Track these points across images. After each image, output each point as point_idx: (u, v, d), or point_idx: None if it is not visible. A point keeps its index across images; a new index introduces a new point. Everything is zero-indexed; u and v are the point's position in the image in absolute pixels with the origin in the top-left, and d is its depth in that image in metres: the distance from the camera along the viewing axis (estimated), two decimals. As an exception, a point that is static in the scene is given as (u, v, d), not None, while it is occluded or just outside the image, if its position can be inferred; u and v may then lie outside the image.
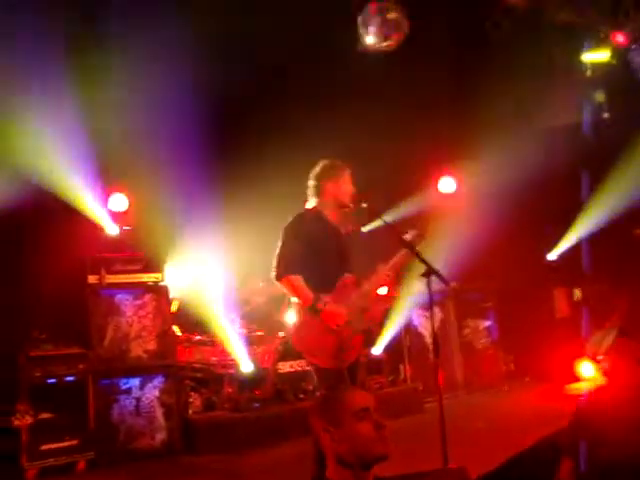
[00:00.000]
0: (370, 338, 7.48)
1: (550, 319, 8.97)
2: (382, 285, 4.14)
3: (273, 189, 7.15)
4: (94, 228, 6.65)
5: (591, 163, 8.06)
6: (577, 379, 7.91)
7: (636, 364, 3.09)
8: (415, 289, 7.91)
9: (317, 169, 4.40)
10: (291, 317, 4.22)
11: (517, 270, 8.96)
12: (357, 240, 4.57)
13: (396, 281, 4.31)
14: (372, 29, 7.02)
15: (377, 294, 4.31)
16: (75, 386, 5.72)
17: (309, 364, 4.33)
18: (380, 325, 7.58)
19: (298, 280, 4.06)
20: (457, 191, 9.27)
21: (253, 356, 6.90)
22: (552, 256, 9.21)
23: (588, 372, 7.24)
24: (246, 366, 6.75)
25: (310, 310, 3.99)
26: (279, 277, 4.13)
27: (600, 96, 8.58)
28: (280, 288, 4.23)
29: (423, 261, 3.95)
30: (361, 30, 7.04)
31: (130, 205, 6.95)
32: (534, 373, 8.68)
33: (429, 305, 4.05)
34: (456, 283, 7.85)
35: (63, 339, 5.89)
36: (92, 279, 6.05)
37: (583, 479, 2.83)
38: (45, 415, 5.49)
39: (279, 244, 4.22)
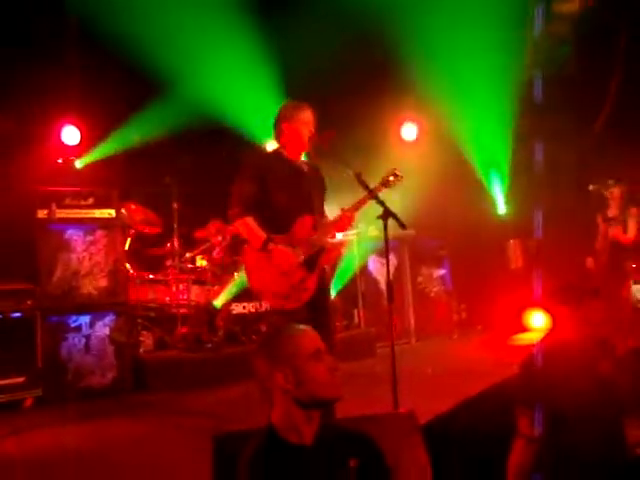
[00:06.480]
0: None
1: (504, 270, 9.08)
2: (342, 228, 4.09)
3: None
4: (45, 161, 6.45)
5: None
6: (525, 329, 8.06)
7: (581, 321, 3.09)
8: (371, 234, 7.92)
9: (278, 110, 4.29)
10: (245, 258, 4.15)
11: (473, 220, 9.00)
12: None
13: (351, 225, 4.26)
14: None
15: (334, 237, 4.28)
16: (22, 323, 5.59)
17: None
18: (333, 268, 7.56)
19: (250, 221, 4.01)
20: (418, 138, 9.23)
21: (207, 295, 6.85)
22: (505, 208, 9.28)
23: (538, 322, 7.35)
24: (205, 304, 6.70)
25: (261, 251, 3.95)
26: (232, 217, 4.08)
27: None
28: (234, 228, 4.18)
29: (381, 203, 3.90)
30: None
31: (82, 138, 6.74)
32: (486, 322, 8.82)
33: (385, 250, 4.03)
34: (412, 230, 7.87)
35: (10, 274, 5.74)
36: (41, 213, 5.86)
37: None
38: (-10, 351, 5.38)
39: (234, 183, 4.13)
